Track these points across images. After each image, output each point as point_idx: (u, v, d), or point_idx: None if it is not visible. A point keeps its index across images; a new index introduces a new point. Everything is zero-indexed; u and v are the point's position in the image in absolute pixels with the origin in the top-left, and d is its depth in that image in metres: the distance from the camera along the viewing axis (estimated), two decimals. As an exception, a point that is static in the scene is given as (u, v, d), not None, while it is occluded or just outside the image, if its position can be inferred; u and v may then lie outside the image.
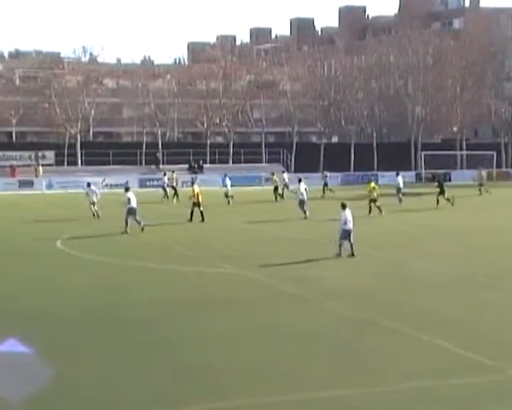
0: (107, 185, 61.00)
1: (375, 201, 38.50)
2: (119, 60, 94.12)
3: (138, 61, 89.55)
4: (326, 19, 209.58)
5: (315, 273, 22.49)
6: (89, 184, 39.49)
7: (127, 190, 32.80)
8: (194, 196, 35.96)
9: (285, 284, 20.78)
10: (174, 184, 49.39)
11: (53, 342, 15.11)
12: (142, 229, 31.73)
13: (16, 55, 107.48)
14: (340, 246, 24.89)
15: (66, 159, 67.12)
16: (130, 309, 17.81)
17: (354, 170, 72.96)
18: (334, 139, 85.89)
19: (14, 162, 64.27)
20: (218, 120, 72.58)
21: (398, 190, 45.65)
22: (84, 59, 74.65)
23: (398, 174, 47.25)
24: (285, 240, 30.57)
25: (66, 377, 12.98)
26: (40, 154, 66.69)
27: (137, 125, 74.76)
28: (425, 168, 71.62)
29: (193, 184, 38.63)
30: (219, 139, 77.82)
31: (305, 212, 37.66)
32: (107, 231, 33.17)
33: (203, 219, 35.41)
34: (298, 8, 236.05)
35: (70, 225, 35.02)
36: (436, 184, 45.06)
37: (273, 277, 21.83)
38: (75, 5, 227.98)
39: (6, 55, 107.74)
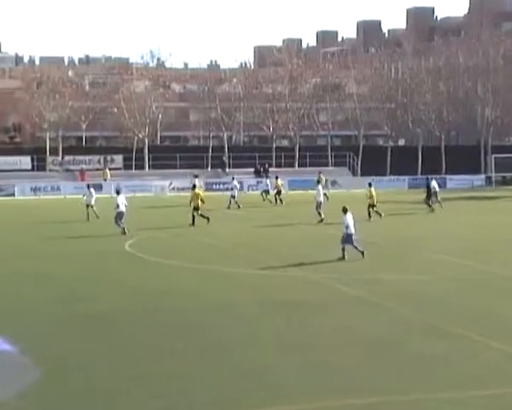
0: (173, 189, 61.64)
1: (373, 206, 38.00)
2: (186, 64, 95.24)
3: (205, 66, 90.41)
4: (393, 21, 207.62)
5: (382, 277, 22.22)
6: (88, 186, 40.42)
7: (118, 193, 34.00)
8: (198, 199, 35.63)
9: (351, 287, 20.58)
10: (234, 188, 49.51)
11: (125, 344, 15.28)
12: (122, 233, 32.05)
13: (86, 61, 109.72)
14: (343, 250, 24.97)
15: (134, 163, 68.04)
16: (198, 312, 17.89)
17: (421, 173, 71.91)
18: (401, 142, 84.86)
19: (84, 166, 65.45)
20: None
21: (435, 193, 44.73)
22: (151, 64, 75.55)
23: (432, 179, 46.36)
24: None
25: (137, 375, 13.11)
26: (109, 158, 67.78)
27: (204, 129, 75.28)
28: (496, 171, 70.15)
29: (194, 187, 37.97)
30: (285, 143, 77.72)
31: (319, 214, 37.19)
32: (172, 234, 33.46)
33: (193, 224, 35.19)
34: (365, 11, 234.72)
35: (137, 228, 35.42)
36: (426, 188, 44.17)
37: (338, 280, 21.65)
38: (144, 11, 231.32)
39: (76, 61, 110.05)
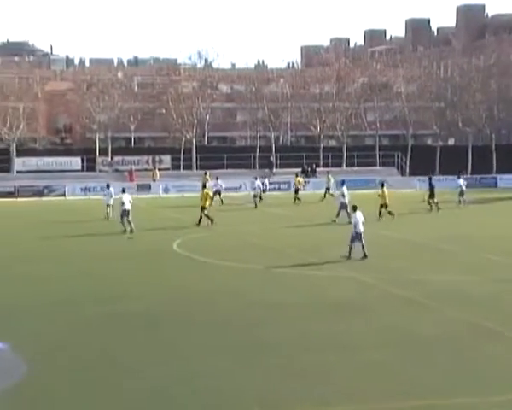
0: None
1: (386, 206, 37.69)
2: (233, 65, 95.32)
3: (252, 66, 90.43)
4: (443, 19, 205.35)
5: (430, 277, 22.03)
6: (108, 186, 40.46)
7: (123, 191, 34.54)
8: (206, 199, 35.77)
9: (400, 287, 20.45)
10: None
11: (172, 342, 15.38)
12: (127, 232, 32.49)
13: (135, 62, 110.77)
14: (351, 248, 25.06)
15: (181, 163, 68.48)
16: (247, 311, 17.96)
17: (472, 173, 70.97)
18: (451, 141, 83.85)
19: (133, 167, 66.10)
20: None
21: (461, 193, 45.09)
22: (199, 65, 75.91)
23: (459, 177, 46.18)
24: (395, 242, 30.07)
25: (192, 374, 13.19)
26: (157, 158, 68.34)
27: (251, 130, 75.38)
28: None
29: (204, 187, 38.11)
30: (332, 143, 77.39)
31: (348, 215, 36.51)
32: (219, 234, 33.59)
33: (199, 224, 35.35)
34: (413, 9, 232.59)
35: (185, 227, 35.66)
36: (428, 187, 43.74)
37: (387, 280, 21.52)
38: (191, 13, 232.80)
39: (125, 62, 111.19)
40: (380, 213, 37.63)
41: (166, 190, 61.68)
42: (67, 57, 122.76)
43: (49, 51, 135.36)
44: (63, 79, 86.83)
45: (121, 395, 12.37)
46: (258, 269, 23.90)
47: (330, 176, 53.71)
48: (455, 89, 76.27)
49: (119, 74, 77.50)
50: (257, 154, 70.27)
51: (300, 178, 52.72)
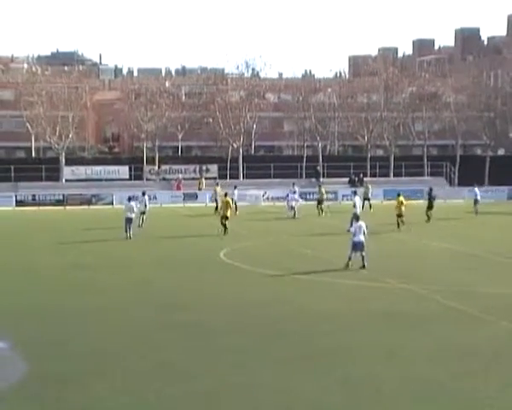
0: (268, 198, 61.79)
1: (401, 215, 37.89)
2: (280, 74, 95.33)
3: (299, 75, 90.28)
4: (493, 28, 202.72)
5: (484, 290, 21.62)
6: (143, 194, 40.87)
7: (129, 200, 35.70)
8: (228, 208, 36.02)
9: (451, 299, 20.10)
10: (217, 197, 49.35)
11: (223, 352, 15.30)
12: (129, 238, 33.88)
13: (183, 71, 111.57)
14: (350, 258, 25.01)
15: (228, 172, 68.59)
16: (298, 321, 17.83)
17: (522, 184, 69.75)
18: (501, 152, 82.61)
19: (180, 176, 66.43)
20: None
21: (476, 201, 46.20)
22: (246, 74, 76.04)
23: (475, 186, 47.03)
24: (447, 252, 29.63)
25: (251, 383, 13.10)
26: (204, 167, 68.59)
27: (298, 139, 75.23)
28: None
29: (226, 195, 38.19)
30: (380, 152, 76.84)
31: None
32: (267, 243, 33.49)
33: (225, 232, 35.47)
34: (463, 18, 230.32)
35: (231, 236, 35.63)
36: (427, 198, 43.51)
37: (438, 292, 21.17)
38: (239, 23, 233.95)
39: (173, 72, 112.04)
40: (398, 223, 37.95)
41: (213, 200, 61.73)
42: (116, 67, 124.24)
43: (98, 61, 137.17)
44: (112, 89, 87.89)
45: (167, 403, 12.30)
46: (308, 279, 23.72)
47: (369, 185, 53.43)
48: (505, 98, 75.16)
49: (167, 84, 78.02)
50: (304, 163, 70.06)
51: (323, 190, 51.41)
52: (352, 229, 25.52)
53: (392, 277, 23.81)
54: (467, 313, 18.60)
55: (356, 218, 25.84)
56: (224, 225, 35.88)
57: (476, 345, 15.60)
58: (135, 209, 35.25)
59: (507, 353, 15.04)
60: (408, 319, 18.00)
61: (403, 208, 38.20)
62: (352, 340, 16.05)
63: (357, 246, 25.03)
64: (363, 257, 24.99)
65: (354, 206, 37.82)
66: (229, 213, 36.23)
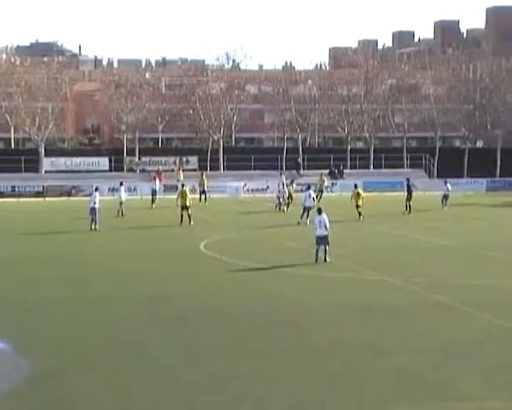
0: (248, 190, 61.87)
1: (358, 206, 38.70)
2: (260, 66, 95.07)
3: (280, 67, 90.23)
4: (472, 20, 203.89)
5: (467, 282, 21.83)
6: (121, 184, 42.78)
7: (96, 190, 37.29)
8: (186, 199, 36.46)
9: (431, 291, 20.29)
10: (205, 188, 50.12)
11: (204, 345, 15.37)
12: (92, 229, 34.40)
13: (163, 63, 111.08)
14: (317, 252, 24.60)
15: (209, 164, 68.54)
16: (280, 313, 17.91)
17: (500, 176, 70.36)
18: (479, 144, 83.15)
19: (160, 167, 66.27)
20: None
21: (446, 196, 45.76)
22: (227, 66, 75.92)
23: (446, 182, 47.30)
24: (425, 244, 29.85)
25: (227, 377, 13.16)
26: (184, 159, 68.47)
27: (278, 131, 75.26)
28: None
29: (183, 186, 38.48)
30: (360, 144, 77.09)
31: (307, 217, 36.44)
32: (247, 235, 33.56)
33: (190, 222, 36.08)
34: (442, 11, 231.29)
35: (211, 228, 35.68)
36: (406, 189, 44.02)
37: (418, 284, 21.35)
38: (219, 14, 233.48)
39: (153, 63, 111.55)
40: (359, 214, 38.54)
41: (193, 191, 61.73)
42: (96, 58, 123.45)
43: (78, 52, 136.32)
44: (91, 80, 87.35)
45: (154, 397, 12.36)
46: (290, 272, 23.81)
47: (325, 178, 53.49)
48: (484, 91, 75.61)
49: (147, 75, 77.71)
50: (284, 155, 70.17)
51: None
52: (315, 222, 25.03)
53: (373, 269, 23.96)
54: (447, 304, 18.78)
55: (318, 211, 25.31)
56: (181, 216, 36.39)
57: (456, 337, 15.77)
58: (96, 200, 35.46)
59: (487, 344, 15.22)
60: (388, 311, 18.14)
61: (360, 201, 38.85)
62: (334, 332, 16.16)
63: (320, 240, 24.50)
64: (325, 250, 24.52)
65: (305, 200, 37.52)
66: (187, 203, 36.59)
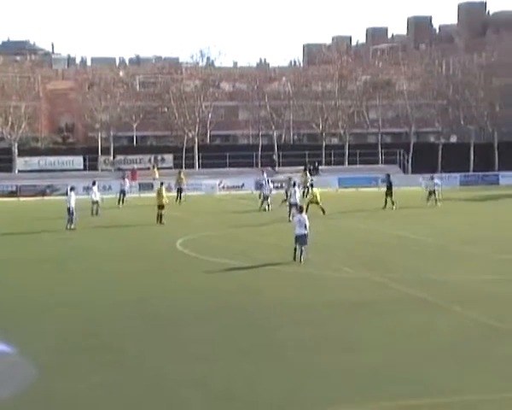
0: (223, 187, 61.80)
1: (317, 203, 39.04)
2: (235, 63, 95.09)
3: (254, 64, 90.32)
4: (444, 16, 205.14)
5: (444, 277, 21.98)
6: (94, 183, 42.26)
7: (72, 189, 37.04)
8: (162, 198, 36.51)
9: (411, 287, 20.40)
10: (183, 186, 49.76)
11: (187, 342, 15.34)
12: (68, 228, 34.37)
13: (137, 61, 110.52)
14: (295, 250, 24.23)
15: (184, 162, 68.33)
16: (261, 311, 17.96)
17: (474, 170, 70.94)
18: (453, 139, 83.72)
19: (135, 166, 65.98)
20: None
21: (431, 192, 44.69)
22: (201, 63, 75.71)
23: (433, 177, 46.64)
24: (402, 240, 30.03)
25: (199, 374, 13.14)
26: (159, 157, 68.22)
27: (253, 128, 75.25)
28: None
29: (162, 185, 38.61)
30: (335, 141, 77.26)
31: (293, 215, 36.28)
32: (223, 233, 33.54)
33: (161, 222, 35.97)
34: (415, 7, 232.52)
35: (187, 226, 35.60)
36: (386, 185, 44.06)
37: (396, 280, 21.46)
38: (193, 11, 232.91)
39: (127, 61, 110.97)
40: (307, 209, 38.32)
41: (169, 189, 61.53)
42: (69, 56, 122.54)
43: (51, 50, 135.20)
44: (65, 78, 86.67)
45: (131, 395, 12.33)
46: (270, 269, 23.82)
47: (307, 174, 53.08)
48: (457, 86, 76.14)
49: (121, 73, 77.38)
50: (259, 152, 70.19)
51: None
52: (293, 222, 24.72)
53: (352, 266, 24.04)
54: (424, 300, 18.92)
55: (299, 210, 25.14)
56: (159, 215, 36.34)
57: (434, 332, 15.90)
58: (72, 200, 35.34)
59: (464, 339, 15.35)
60: (368, 308, 18.22)
61: (317, 197, 39.27)
62: (315, 330, 16.21)
63: (299, 239, 24.14)
64: (301, 251, 24.10)
65: (291, 196, 37.41)
66: (163, 202, 36.50)
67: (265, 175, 49.69)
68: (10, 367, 13.95)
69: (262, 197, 43.96)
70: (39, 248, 29.82)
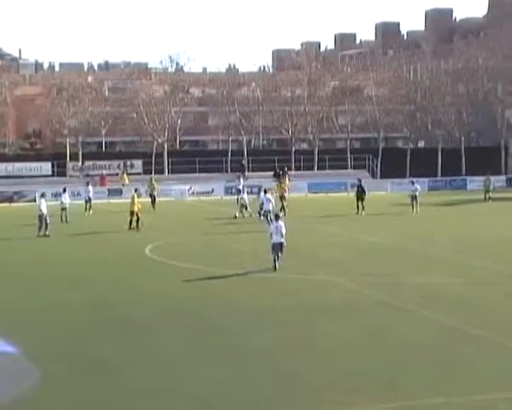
0: (193, 193, 61.69)
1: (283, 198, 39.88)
2: (204, 69, 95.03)
3: (223, 70, 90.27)
4: (412, 23, 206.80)
5: (412, 280, 22.16)
6: (64, 190, 42.25)
7: (42, 196, 36.63)
8: (135, 204, 36.36)
9: (377, 291, 20.54)
10: (155, 193, 49.06)
11: (157, 350, 15.28)
12: (39, 235, 34.05)
13: (105, 66, 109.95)
14: (274, 259, 23.54)
15: (153, 167, 68.08)
16: (231, 317, 17.97)
17: (442, 175, 71.58)
18: (421, 144, 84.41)
19: (104, 172, 65.62)
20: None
21: (415, 197, 43.64)
22: (170, 69, 75.55)
23: (413, 183, 45.78)
24: (373, 246, 30.21)
25: (171, 379, 13.10)
26: (128, 163, 67.92)
27: (223, 133, 75.26)
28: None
29: (136, 191, 38.46)
30: (304, 146, 77.53)
31: (269, 222, 34.95)
32: (192, 239, 33.48)
33: (137, 228, 35.78)
34: (383, 13, 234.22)
35: (156, 232, 35.49)
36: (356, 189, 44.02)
37: (364, 284, 21.59)
38: (162, 17, 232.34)
39: (96, 67, 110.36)
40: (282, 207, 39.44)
41: (138, 195, 61.18)
42: (37, 62, 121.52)
43: (18, 55, 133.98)
44: (32, 84, 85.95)
45: (96, 401, 12.26)
46: (238, 274, 23.81)
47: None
48: (425, 92, 76.79)
49: (90, 79, 76.96)
50: (229, 157, 70.20)
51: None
52: (269, 229, 24.19)
53: (321, 269, 24.14)
54: (392, 304, 19.05)
55: (275, 217, 24.74)
56: (130, 221, 36.16)
57: (403, 336, 16.02)
58: (43, 207, 35.00)
59: (432, 343, 15.48)
60: (337, 311, 18.31)
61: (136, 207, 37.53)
62: (283, 334, 16.25)
63: (276, 247, 23.55)
64: (278, 257, 23.56)
65: (262, 204, 36.98)
66: (135, 209, 36.31)
67: (242, 181, 49.39)
68: (13, 368, 13.81)
69: (240, 205, 42.18)
70: (6, 253, 29.51)
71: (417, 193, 44.24)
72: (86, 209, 46.07)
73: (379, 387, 12.73)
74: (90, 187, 48.41)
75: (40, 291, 21.58)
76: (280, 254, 23.65)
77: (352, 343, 15.42)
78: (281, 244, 23.59)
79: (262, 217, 36.98)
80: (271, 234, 23.77)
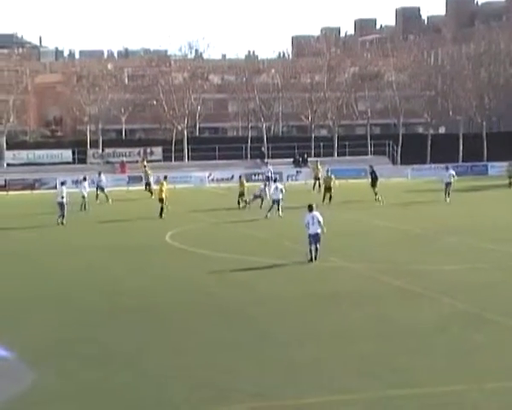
0: (213, 180, 61.80)
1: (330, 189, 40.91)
2: (223, 56, 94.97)
3: (243, 57, 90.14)
4: (432, 7, 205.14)
5: (429, 267, 22.11)
6: (85, 179, 41.87)
7: (62, 184, 37.29)
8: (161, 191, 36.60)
9: (395, 278, 20.51)
10: (150, 180, 49.01)
11: (174, 335, 15.38)
12: (60, 223, 34.20)
13: (125, 54, 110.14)
14: (310, 251, 22.93)
15: (173, 155, 68.28)
16: (246, 304, 18.03)
17: (463, 161, 71.11)
18: (442, 130, 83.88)
19: (124, 159, 65.85)
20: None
21: (448, 184, 42.56)
22: (190, 56, 75.57)
23: (448, 168, 45.04)
24: (391, 231, 30.12)
25: (183, 365, 13.16)
26: (148, 150, 68.10)
27: (242, 120, 75.22)
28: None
29: (165, 178, 38.66)
30: (324, 132, 77.33)
31: (278, 210, 35.64)
32: (213, 225, 33.55)
33: (161, 216, 35.89)
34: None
35: (177, 219, 35.62)
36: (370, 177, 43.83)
37: (382, 271, 21.56)
38: (182, 3, 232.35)
39: (115, 54, 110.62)
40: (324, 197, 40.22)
41: (158, 182, 61.41)
42: (57, 49, 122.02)
43: (39, 43, 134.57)
44: (53, 72, 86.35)
45: (118, 389, 12.36)
46: (255, 261, 23.86)
47: (319, 166, 52.14)
48: (445, 77, 76.23)
49: (109, 66, 77.07)
50: (248, 144, 70.16)
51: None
52: (305, 220, 23.37)
53: (337, 256, 24.11)
54: (410, 290, 19.02)
55: (309, 208, 23.65)
56: (161, 209, 36.35)
57: (419, 322, 16.01)
58: (64, 194, 35.17)
59: (449, 329, 15.44)
60: (352, 298, 18.32)
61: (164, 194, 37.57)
62: (298, 322, 16.30)
63: (313, 238, 22.86)
64: (316, 249, 22.96)
65: (273, 193, 36.53)
66: (163, 196, 36.46)
67: (271, 167, 48.75)
68: (7, 371, 13.90)
69: (268, 196, 39.75)
70: (26, 242, 29.75)
71: (451, 181, 42.85)
72: (97, 198, 45.88)
73: (391, 373, 12.72)
74: (103, 176, 48.29)
75: (59, 278, 21.76)
76: (318, 245, 22.97)
77: (365, 331, 15.43)
78: (318, 235, 22.90)
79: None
80: (308, 224, 23.07)
